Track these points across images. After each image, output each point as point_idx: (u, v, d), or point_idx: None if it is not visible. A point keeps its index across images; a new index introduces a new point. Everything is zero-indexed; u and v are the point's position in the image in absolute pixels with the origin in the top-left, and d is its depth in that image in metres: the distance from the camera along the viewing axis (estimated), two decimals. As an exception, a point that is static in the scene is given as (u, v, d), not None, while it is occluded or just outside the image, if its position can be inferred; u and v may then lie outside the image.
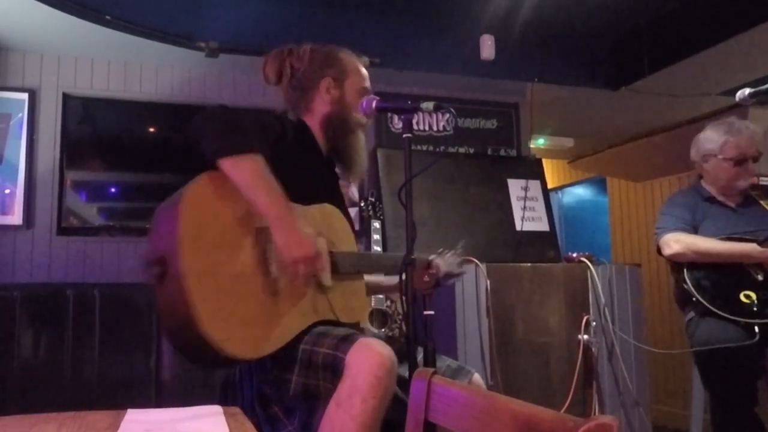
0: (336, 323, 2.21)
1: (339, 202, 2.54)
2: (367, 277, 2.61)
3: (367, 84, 2.54)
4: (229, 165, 1.96)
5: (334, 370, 1.95)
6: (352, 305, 2.30)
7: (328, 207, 2.35)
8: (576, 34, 5.07)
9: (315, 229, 2.18)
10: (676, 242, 3.48)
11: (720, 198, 3.63)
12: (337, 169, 2.63)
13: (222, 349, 1.83)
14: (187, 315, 1.80)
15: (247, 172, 1.97)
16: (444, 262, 2.57)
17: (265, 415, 2.10)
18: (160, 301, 1.88)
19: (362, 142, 2.55)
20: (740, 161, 3.52)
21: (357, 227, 3.29)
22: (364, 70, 2.56)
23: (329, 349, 1.99)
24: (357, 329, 2.49)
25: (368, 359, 1.90)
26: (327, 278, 2.21)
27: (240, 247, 2.00)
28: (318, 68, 2.51)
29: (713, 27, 4.44)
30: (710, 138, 3.62)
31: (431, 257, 2.55)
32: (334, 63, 2.52)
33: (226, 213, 1.99)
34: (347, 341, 1.97)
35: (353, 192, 4.27)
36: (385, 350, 1.93)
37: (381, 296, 3.85)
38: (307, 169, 2.39)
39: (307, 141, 2.46)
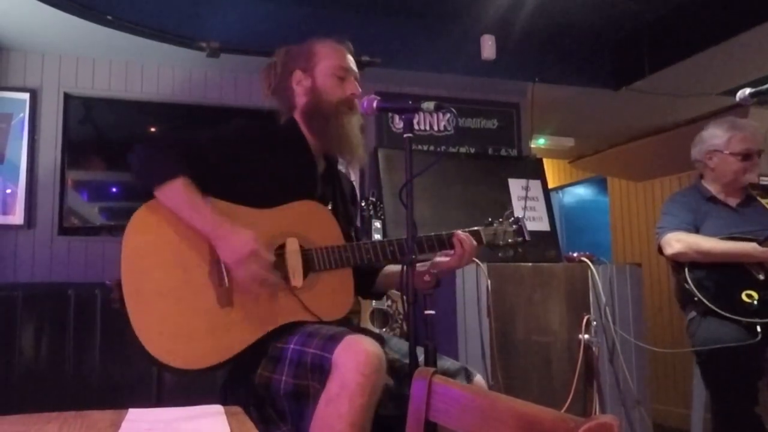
0: (320, 322, 2.21)
1: (337, 199, 2.54)
2: (390, 268, 2.62)
3: (345, 64, 2.49)
4: (159, 196, 2.12)
5: (322, 370, 1.95)
6: (332, 301, 2.28)
7: (306, 204, 2.33)
8: (577, 35, 5.07)
9: (287, 228, 2.25)
10: (677, 241, 3.49)
11: (721, 197, 3.64)
12: (340, 166, 2.64)
13: (168, 364, 2.00)
14: (134, 335, 2.00)
15: (174, 199, 2.13)
16: (494, 233, 2.51)
17: (260, 415, 2.11)
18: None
19: (350, 125, 2.48)
20: (746, 156, 3.55)
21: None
22: (342, 52, 2.52)
23: (317, 350, 1.99)
24: (357, 328, 2.50)
25: (354, 357, 1.89)
26: (297, 279, 2.22)
27: (189, 263, 2.13)
28: (289, 65, 2.52)
29: (713, 27, 4.45)
30: (715, 134, 3.65)
31: (476, 228, 2.49)
32: (302, 54, 2.50)
33: (172, 233, 2.14)
34: (334, 340, 1.96)
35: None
36: (372, 347, 1.92)
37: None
38: (288, 168, 2.38)
39: (293, 139, 2.46)
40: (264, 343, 2.12)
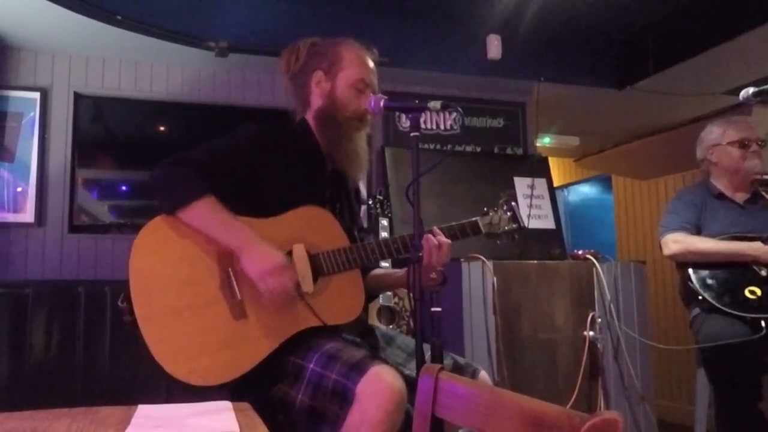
0: (330, 328, 2.21)
1: (343, 199, 2.54)
2: (377, 271, 2.62)
3: (368, 77, 2.46)
4: (183, 217, 2.13)
5: (344, 398, 1.94)
6: (344, 304, 2.27)
7: (309, 210, 2.31)
8: (582, 34, 5.08)
9: (292, 235, 2.24)
10: (674, 242, 3.57)
11: (728, 193, 3.68)
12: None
13: (188, 381, 1.99)
14: (150, 355, 2.00)
15: (198, 218, 2.14)
16: (490, 221, 2.49)
17: (271, 421, 2.10)
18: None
19: (360, 140, 2.48)
20: (743, 144, 3.63)
21: (365, 225, 3.30)
22: (367, 63, 2.48)
23: (339, 376, 1.97)
24: (365, 327, 2.51)
25: (379, 392, 1.88)
26: (307, 285, 2.22)
27: (199, 279, 2.13)
28: (312, 62, 2.48)
29: (717, 27, 4.46)
30: (711, 130, 3.77)
31: (474, 219, 2.47)
32: (327, 55, 2.46)
33: (179, 251, 2.15)
34: (358, 370, 1.94)
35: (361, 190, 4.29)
36: (396, 382, 1.91)
37: (389, 293, 3.87)
38: (299, 172, 2.38)
39: (303, 141, 2.45)
40: (278, 355, 2.12)
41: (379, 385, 1.90)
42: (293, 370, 2.09)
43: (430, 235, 2.32)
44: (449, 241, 2.36)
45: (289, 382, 2.08)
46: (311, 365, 2.06)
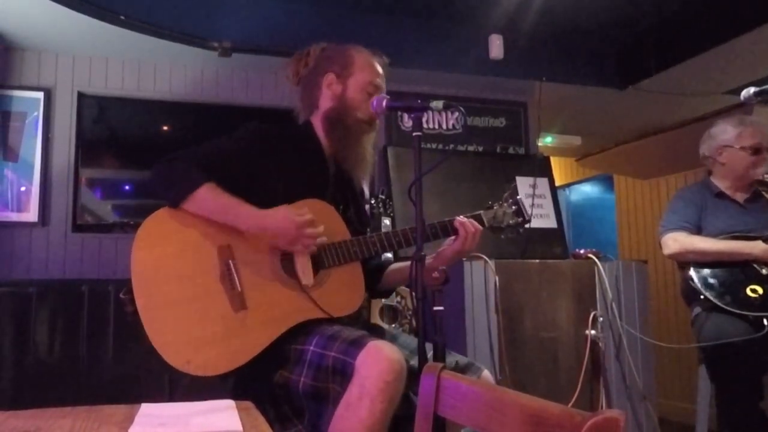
0: (331, 320, 2.22)
1: (349, 200, 2.55)
2: (394, 266, 2.63)
3: (378, 81, 2.48)
4: (188, 207, 2.17)
5: (344, 374, 1.96)
6: (343, 297, 2.29)
7: (311, 203, 2.33)
8: (583, 34, 5.08)
9: None
10: (674, 242, 3.57)
11: (729, 193, 3.68)
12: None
13: (187, 371, 2.02)
14: (151, 345, 2.03)
15: (206, 206, 2.17)
16: (494, 215, 2.52)
17: (276, 413, 2.12)
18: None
19: (367, 143, 2.51)
20: (757, 150, 3.60)
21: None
22: (377, 68, 2.51)
23: (339, 353, 1.99)
24: (367, 326, 2.52)
25: (377, 364, 1.91)
26: (308, 278, 2.24)
27: (199, 270, 2.15)
28: (323, 65, 2.51)
29: (719, 27, 4.46)
30: (725, 130, 3.69)
31: (478, 212, 2.49)
32: (339, 59, 2.49)
33: (180, 243, 2.17)
34: (357, 345, 1.97)
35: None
36: (394, 354, 1.94)
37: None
38: (299, 173, 2.39)
39: (306, 142, 2.47)
40: (279, 343, 2.13)
41: (377, 356, 1.92)
42: (294, 356, 2.11)
43: (467, 221, 2.39)
44: (481, 228, 2.43)
45: (290, 368, 2.10)
46: (311, 347, 2.09)
